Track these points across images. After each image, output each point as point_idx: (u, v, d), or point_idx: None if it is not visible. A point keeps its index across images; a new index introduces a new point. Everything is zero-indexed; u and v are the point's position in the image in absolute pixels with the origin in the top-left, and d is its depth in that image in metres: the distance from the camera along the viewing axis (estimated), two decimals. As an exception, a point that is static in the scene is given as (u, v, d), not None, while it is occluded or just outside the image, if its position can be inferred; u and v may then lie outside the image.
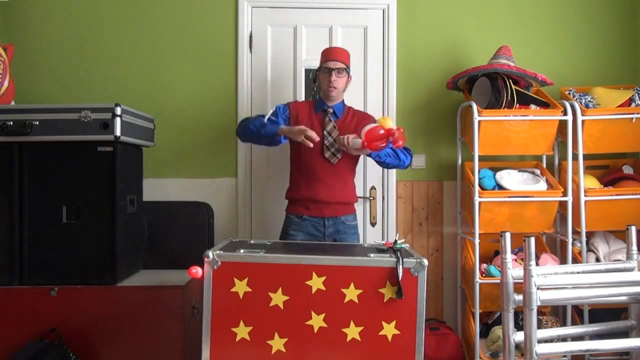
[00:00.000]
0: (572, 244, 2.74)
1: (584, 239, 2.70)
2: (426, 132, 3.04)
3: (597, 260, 2.74)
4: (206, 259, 1.80)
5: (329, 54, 2.45)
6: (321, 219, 2.42)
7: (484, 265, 2.75)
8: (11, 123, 2.21)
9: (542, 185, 2.71)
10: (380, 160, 2.42)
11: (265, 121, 2.38)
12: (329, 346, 1.79)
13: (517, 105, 2.66)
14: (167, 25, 2.96)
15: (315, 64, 2.59)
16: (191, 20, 2.96)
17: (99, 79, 2.94)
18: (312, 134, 2.25)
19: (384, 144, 2.22)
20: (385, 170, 2.98)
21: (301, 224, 2.44)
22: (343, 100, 2.51)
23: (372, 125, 2.24)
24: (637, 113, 2.67)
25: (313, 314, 1.79)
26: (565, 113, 2.69)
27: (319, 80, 2.48)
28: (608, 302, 2.19)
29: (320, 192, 2.39)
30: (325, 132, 2.40)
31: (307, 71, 2.94)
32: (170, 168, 2.95)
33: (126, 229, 2.34)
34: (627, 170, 2.89)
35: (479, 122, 2.64)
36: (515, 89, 2.66)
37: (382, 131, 2.19)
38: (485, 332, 2.79)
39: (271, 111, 2.43)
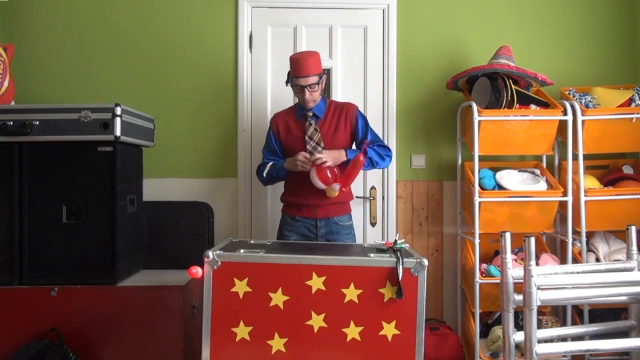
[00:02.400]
0: (572, 244, 2.74)
1: (584, 239, 2.70)
2: (426, 132, 3.04)
3: (597, 260, 2.74)
4: (206, 259, 1.80)
5: (297, 69, 2.31)
6: (314, 220, 2.42)
7: (484, 265, 2.75)
8: (11, 123, 2.21)
9: (542, 185, 2.71)
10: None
11: (265, 175, 2.43)
12: (329, 346, 1.79)
13: (517, 105, 2.66)
14: (167, 25, 2.96)
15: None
16: (191, 20, 2.96)
17: (99, 79, 2.94)
18: (300, 157, 2.27)
19: (332, 177, 2.27)
20: (385, 170, 2.98)
21: (294, 225, 2.44)
22: (323, 97, 2.47)
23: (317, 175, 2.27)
24: (637, 113, 2.67)
25: (313, 314, 1.79)
26: (565, 113, 2.69)
27: (293, 91, 2.43)
28: (608, 302, 2.19)
29: (311, 197, 2.38)
30: (306, 137, 2.39)
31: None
32: (170, 168, 2.95)
33: (126, 229, 2.34)
34: (627, 170, 2.89)
35: (479, 122, 2.64)
36: (515, 89, 2.66)
37: (328, 174, 2.26)
38: (485, 332, 2.79)
39: (269, 166, 2.43)
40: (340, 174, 2.31)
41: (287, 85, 2.45)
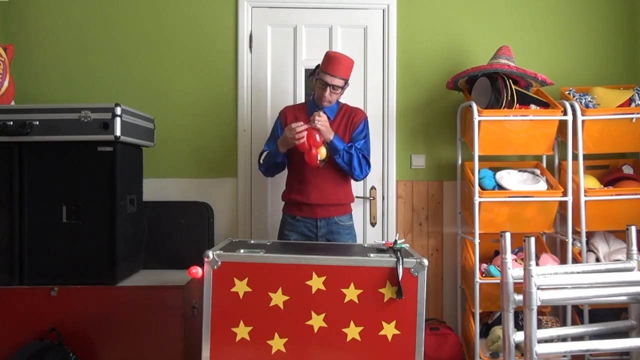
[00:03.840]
0: (572, 244, 2.74)
1: (584, 239, 2.70)
2: (426, 132, 3.04)
3: (597, 260, 2.74)
4: (206, 259, 1.80)
5: (329, 65, 2.30)
6: (314, 220, 2.42)
7: (484, 265, 2.75)
8: (11, 123, 2.21)
9: (542, 185, 2.71)
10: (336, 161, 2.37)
11: (262, 161, 2.43)
12: (329, 346, 1.79)
13: (517, 105, 2.66)
14: (167, 25, 2.96)
15: (315, 64, 2.54)
16: (191, 20, 2.96)
17: (99, 79, 2.94)
18: (295, 124, 2.22)
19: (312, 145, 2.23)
20: (385, 170, 2.98)
21: (294, 225, 2.44)
22: (337, 101, 2.48)
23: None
24: (637, 113, 2.67)
25: (313, 314, 1.79)
26: (565, 113, 2.69)
27: (314, 83, 2.42)
28: (608, 302, 2.19)
29: (311, 195, 2.39)
30: None
31: (307, 71, 2.93)
32: (170, 168, 2.95)
33: (126, 229, 2.34)
34: (627, 170, 2.88)
35: (479, 122, 2.64)
36: (515, 89, 2.66)
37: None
38: (485, 332, 2.79)
39: (266, 151, 2.43)
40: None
41: (310, 77, 2.46)
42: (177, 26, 2.96)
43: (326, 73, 2.31)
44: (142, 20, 2.96)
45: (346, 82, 2.37)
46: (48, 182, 2.24)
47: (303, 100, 2.90)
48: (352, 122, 2.44)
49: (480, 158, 2.70)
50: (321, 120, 2.25)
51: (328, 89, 2.32)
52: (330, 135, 2.30)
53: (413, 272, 1.77)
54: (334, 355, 1.79)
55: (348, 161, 2.34)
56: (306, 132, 2.22)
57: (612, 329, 2.07)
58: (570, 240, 2.73)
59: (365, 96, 3.00)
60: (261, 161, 2.44)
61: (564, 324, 2.78)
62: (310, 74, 2.47)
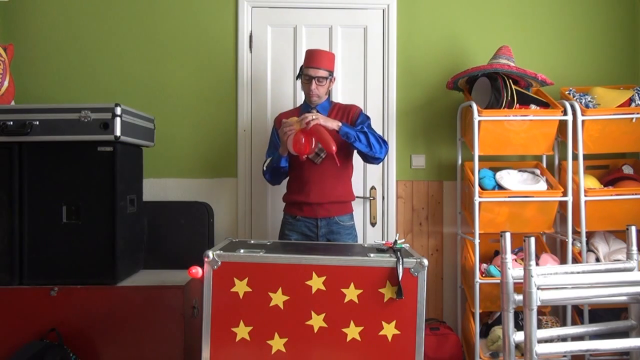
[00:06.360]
0: (572, 244, 2.74)
1: (584, 239, 2.70)
2: (426, 132, 3.04)
3: (597, 260, 2.74)
4: (206, 259, 1.80)
5: (311, 60, 2.36)
6: (314, 220, 2.42)
7: (484, 265, 2.75)
8: (11, 123, 2.21)
9: (542, 185, 2.71)
10: (355, 147, 2.33)
11: (265, 168, 2.44)
12: (329, 346, 1.79)
13: (517, 105, 2.66)
14: (167, 25, 2.96)
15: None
16: (191, 20, 2.97)
17: (99, 79, 2.94)
18: (286, 122, 2.21)
19: (313, 147, 2.23)
20: (385, 170, 2.98)
21: (295, 224, 2.44)
22: (328, 98, 2.50)
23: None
24: (637, 113, 2.67)
25: (313, 314, 1.79)
26: (565, 113, 2.69)
27: (301, 82, 2.44)
28: (608, 302, 2.19)
29: (311, 194, 2.39)
30: None
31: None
32: (170, 168, 2.95)
33: (126, 229, 2.34)
34: (627, 170, 2.89)
35: (479, 122, 2.64)
36: (515, 89, 2.66)
37: (302, 140, 2.18)
38: (485, 332, 2.79)
39: (269, 159, 2.44)
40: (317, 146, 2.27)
41: (297, 79, 2.49)
42: (177, 26, 2.96)
43: (309, 67, 2.36)
44: (142, 20, 2.96)
45: (331, 74, 2.39)
46: (48, 182, 2.24)
47: (302, 101, 2.90)
48: (349, 118, 2.44)
49: (480, 158, 2.70)
50: (316, 115, 2.21)
51: (313, 82, 2.35)
52: (336, 123, 2.25)
53: (413, 272, 1.77)
54: (334, 355, 1.79)
55: (367, 142, 2.31)
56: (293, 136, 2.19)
57: (612, 329, 2.07)
58: (570, 240, 2.73)
59: (365, 96, 3.00)
60: (264, 169, 2.45)
61: (564, 324, 2.78)
62: (297, 77, 2.49)
